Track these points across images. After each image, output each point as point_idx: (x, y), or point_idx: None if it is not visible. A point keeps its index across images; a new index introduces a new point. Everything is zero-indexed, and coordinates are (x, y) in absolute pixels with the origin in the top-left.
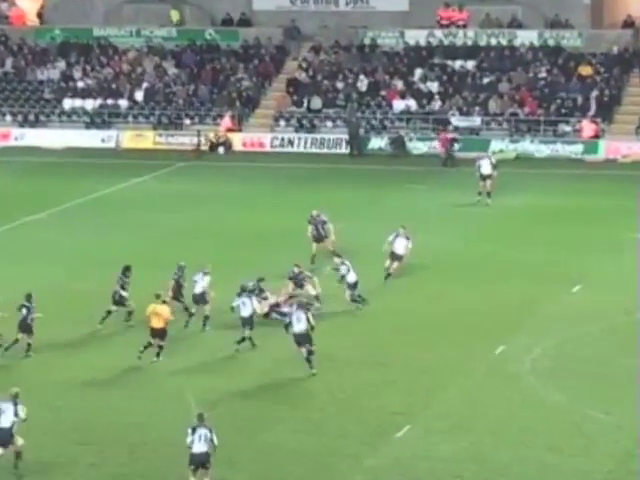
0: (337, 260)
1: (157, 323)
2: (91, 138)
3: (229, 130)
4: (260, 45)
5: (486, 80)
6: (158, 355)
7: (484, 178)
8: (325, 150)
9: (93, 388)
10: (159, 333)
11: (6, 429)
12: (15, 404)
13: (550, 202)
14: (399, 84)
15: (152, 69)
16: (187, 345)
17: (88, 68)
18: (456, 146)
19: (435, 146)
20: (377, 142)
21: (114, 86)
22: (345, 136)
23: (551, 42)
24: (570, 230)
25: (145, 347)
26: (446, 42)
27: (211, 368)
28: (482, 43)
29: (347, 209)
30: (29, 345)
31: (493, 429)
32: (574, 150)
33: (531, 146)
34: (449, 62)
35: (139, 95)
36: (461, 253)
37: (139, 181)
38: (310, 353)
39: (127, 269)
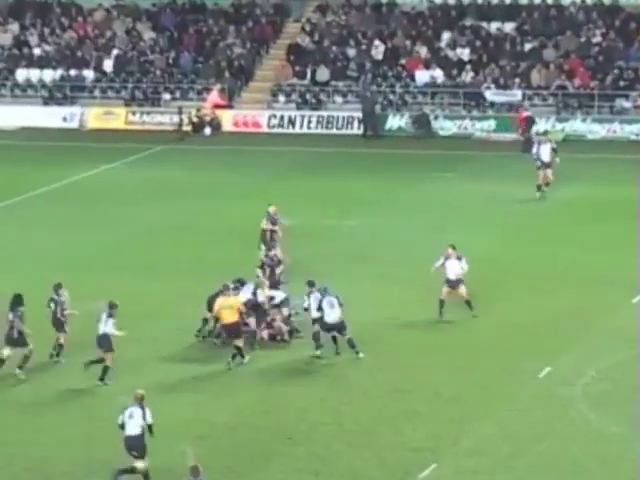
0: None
1: (230, 317)
2: (50, 116)
3: (217, 107)
4: (254, 4)
5: (528, 46)
6: (234, 357)
7: (544, 167)
8: (334, 131)
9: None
10: (234, 329)
11: (137, 436)
12: (142, 407)
13: (605, 193)
14: (423, 51)
15: (124, 33)
16: (162, 366)
17: (46, 32)
18: (533, 127)
19: (465, 126)
20: (396, 121)
21: (78, 54)
22: (358, 114)
23: (607, 0)
24: (629, 227)
25: (233, 356)
26: (480, 0)
27: (195, 393)
28: (523, 1)
29: (359, 203)
30: (60, 346)
31: (538, 468)
32: (634, 130)
33: (583, 125)
34: (483, 24)
35: (108, 65)
36: (499, 256)
37: (108, 168)
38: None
39: (17, 301)
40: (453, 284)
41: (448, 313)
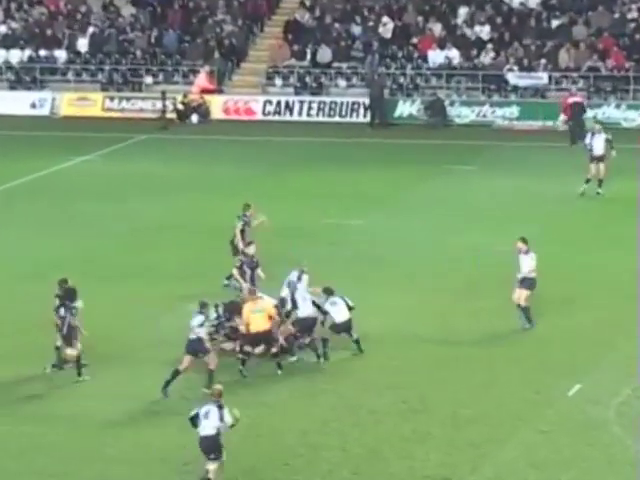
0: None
1: (262, 325)
2: (17, 102)
3: (206, 91)
4: None
5: (555, 23)
6: (280, 366)
7: (596, 160)
8: (337, 118)
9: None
10: (266, 337)
11: (211, 437)
12: (220, 406)
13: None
14: (437, 29)
15: (100, 8)
16: (142, 384)
17: (13, 7)
18: (584, 114)
19: (485, 113)
20: (407, 107)
21: (48, 32)
22: (364, 99)
23: None
24: None
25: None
26: None
27: (180, 415)
28: None
29: (366, 200)
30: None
31: None
32: None
33: (617, 112)
34: None
35: (83, 44)
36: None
37: (83, 160)
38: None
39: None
40: (525, 283)
41: (463, 324)
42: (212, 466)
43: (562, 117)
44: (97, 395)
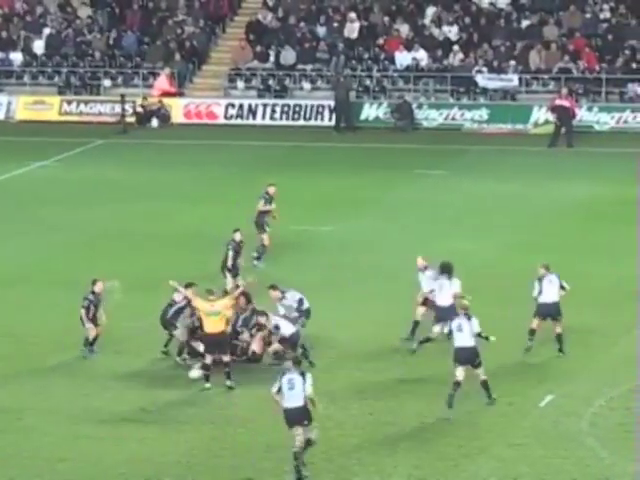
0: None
1: (215, 326)
2: None
3: (166, 94)
4: None
5: (526, 23)
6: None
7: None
8: (301, 122)
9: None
10: (219, 341)
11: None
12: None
13: (615, 192)
14: (404, 29)
15: (56, 9)
16: (101, 395)
17: None
18: (572, 119)
19: (454, 116)
20: (373, 110)
21: (4, 34)
22: (330, 102)
23: None
24: None
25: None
26: None
27: (140, 427)
28: None
29: (332, 205)
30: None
31: None
32: None
33: (589, 115)
34: None
35: (39, 46)
36: (497, 267)
37: (39, 166)
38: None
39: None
40: (550, 311)
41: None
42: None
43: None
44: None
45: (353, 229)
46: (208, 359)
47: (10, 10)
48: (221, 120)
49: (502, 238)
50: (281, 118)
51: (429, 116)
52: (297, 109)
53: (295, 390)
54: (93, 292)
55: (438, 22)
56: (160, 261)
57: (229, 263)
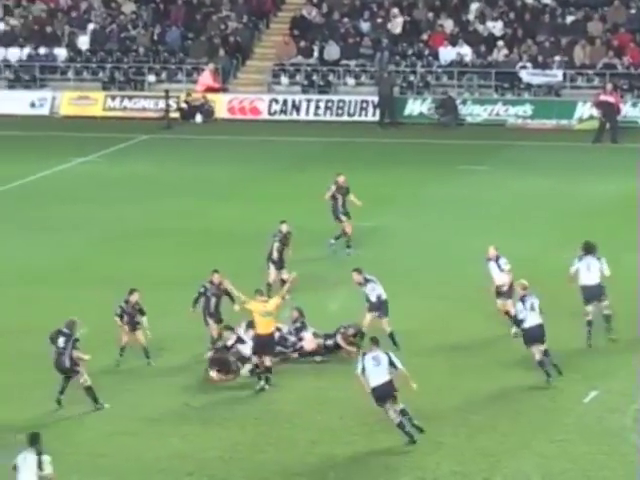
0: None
1: (268, 327)
2: (16, 102)
3: (209, 90)
4: None
5: (570, 19)
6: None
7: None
8: (345, 118)
9: None
10: (268, 342)
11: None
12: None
13: None
14: (448, 25)
15: (101, 5)
16: (142, 392)
17: (11, 4)
18: (617, 115)
19: (498, 111)
20: (417, 106)
21: (48, 29)
22: (373, 98)
23: None
24: None
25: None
26: None
27: (182, 423)
28: None
29: (376, 201)
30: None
31: None
32: None
33: (634, 111)
34: None
35: (83, 42)
36: (539, 263)
37: (83, 162)
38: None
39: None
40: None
41: (476, 330)
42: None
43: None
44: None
45: (395, 225)
46: (257, 359)
47: (55, 6)
48: (265, 116)
49: (544, 234)
50: (325, 114)
51: (473, 112)
52: (341, 105)
53: (381, 366)
54: (127, 301)
55: (482, 18)
56: (196, 258)
57: (274, 255)
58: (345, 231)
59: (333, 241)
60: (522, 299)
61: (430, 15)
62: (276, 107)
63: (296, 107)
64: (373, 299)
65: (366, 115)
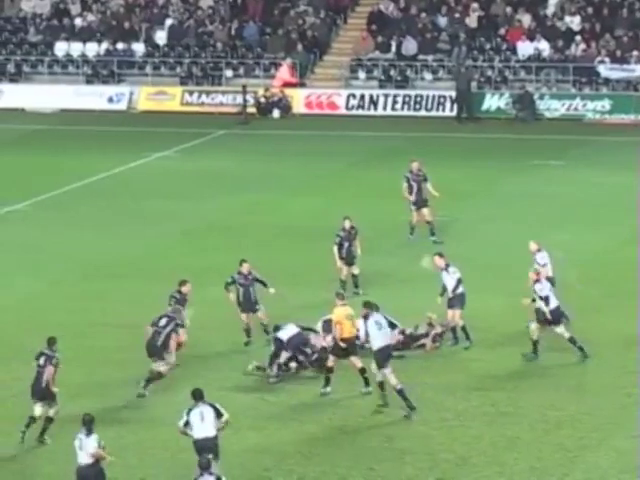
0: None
1: (352, 329)
2: (94, 97)
3: (287, 85)
4: None
5: None
6: (367, 383)
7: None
8: (422, 112)
9: None
10: (353, 343)
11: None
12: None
13: None
14: (526, 19)
15: (178, 0)
16: (222, 386)
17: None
18: None
19: (575, 106)
20: (495, 101)
21: (126, 24)
22: (451, 93)
23: None
24: None
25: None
26: None
27: (261, 419)
28: None
29: (452, 195)
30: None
31: None
32: None
33: None
34: None
35: (161, 37)
36: (617, 258)
37: (160, 156)
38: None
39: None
40: None
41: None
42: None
43: None
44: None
45: (469, 219)
46: (332, 362)
47: (133, 1)
48: (342, 110)
49: (619, 229)
50: (402, 108)
51: (551, 107)
52: (418, 99)
53: (383, 329)
54: (180, 292)
55: (560, 12)
56: (273, 253)
57: (342, 252)
58: (425, 219)
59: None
60: (537, 281)
61: (508, 10)
62: (353, 102)
63: (373, 102)
64: (449, 287)
65: (443, 110)
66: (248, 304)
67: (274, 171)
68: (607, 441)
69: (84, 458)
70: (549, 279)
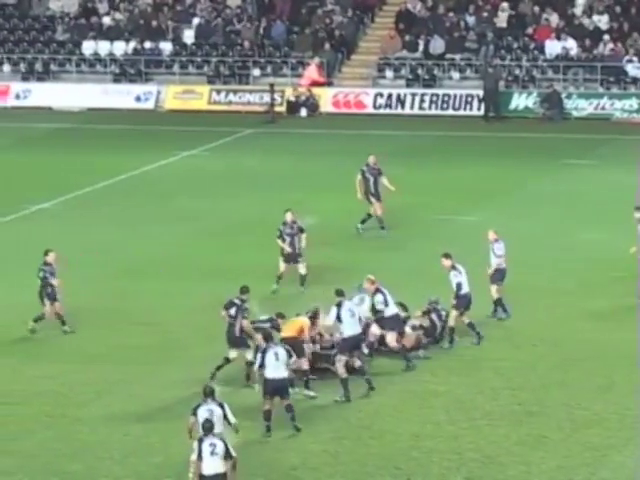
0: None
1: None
2: (121, 96)
3: (315, 84)
4: None
5: None
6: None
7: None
8: (450, 111)
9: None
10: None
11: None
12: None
13: None
14: (553, 18)
15: None
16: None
17: None
18: None
19: (603, 105)
20: (522, 100)
21: (153, 23)
22: (478, 92)
23: None
24: None
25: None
26: None
27: (287, 417)
28: None
29: (480, 195)
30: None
31: None
32: None
33: None
34: None
35: (188, 36)
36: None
37: (188, 155)
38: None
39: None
40: None
41: (580, 325)
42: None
43: None
44: None
45: (498, 219)
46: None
47: (160, 0)
48: (369, 109)
49: None
50: (430, 108)
51: (578, 106)
52: (446, 99)
53: (355, 317)
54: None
55: (589, 11)
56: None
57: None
58: (376, 213)
59: (360, 225)
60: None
61: (536, 8)
62: (381, 101)
63: (401, 101)
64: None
65: (471, 109)
66: (297, 252)
67: (302, 170)
68: (634, 440)
69: None
70: (501, 271)
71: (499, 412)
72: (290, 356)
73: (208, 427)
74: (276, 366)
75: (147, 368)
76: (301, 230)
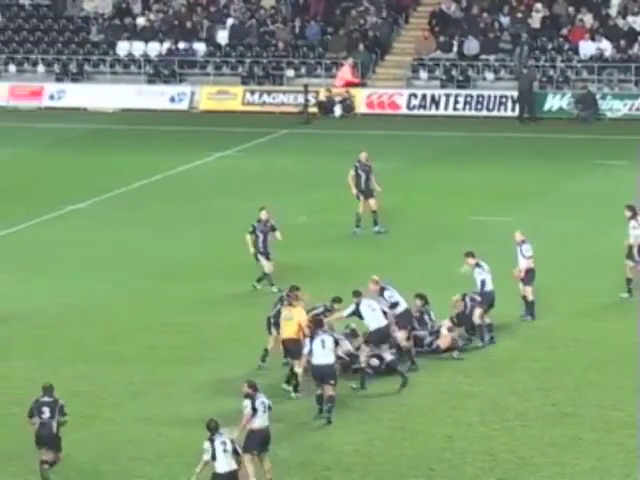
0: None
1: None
2: (155, 96)
3: (349, 85)
4: None
5: None
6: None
7: None
8: (484, 112)
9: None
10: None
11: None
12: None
13: None
14: (588, 19)
15: None
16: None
17: None
18: None
19: (638, 106)
20: (557, 101)
21: (188, 24)
22: (513, 92)
23: None
24: None
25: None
26: None
27: (320, 418)
28: None
29: (515, 196)
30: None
31: None
32: None
33: None
34: None
35: (222, 36)
36: None
37: (222, 156)
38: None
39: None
40: None
41: (614, 326)
42: None
43: None
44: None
45: (531, 220)
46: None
47: (194, 0)
48: (403, 110)
49: None
50: (464, 108)
51: (613, 106)
52: (480, 99)
53: (376, 312)
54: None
55: (623, 12)
56: (336, 252)
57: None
58: (371, 209)
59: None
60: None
61: (570, 9)
62: (415, 102)
63: (435, 102)
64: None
65: (505, 110)
66: (267, 251)
67: (336, 170)
68: None
69: None
70: (532, 271)
71: (532, 413)
72: (337, 344)
73: (214, 426)
74: (323, 353)
75: (180, 368)
76: (273, 229)
